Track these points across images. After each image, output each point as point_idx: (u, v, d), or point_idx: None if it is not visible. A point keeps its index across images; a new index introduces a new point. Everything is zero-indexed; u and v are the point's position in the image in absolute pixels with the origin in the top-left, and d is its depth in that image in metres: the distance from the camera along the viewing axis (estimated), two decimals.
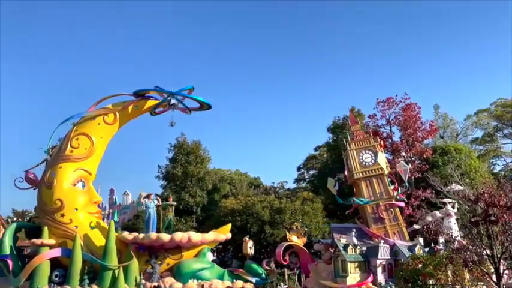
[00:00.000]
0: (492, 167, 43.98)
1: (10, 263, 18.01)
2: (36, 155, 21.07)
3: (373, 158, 22.58)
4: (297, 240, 21.45)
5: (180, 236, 18.45)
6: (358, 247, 19.14)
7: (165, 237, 18.31)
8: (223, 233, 20.63)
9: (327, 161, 38.49)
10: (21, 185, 20.31)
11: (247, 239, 22.46)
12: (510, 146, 44.51)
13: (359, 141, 23.49)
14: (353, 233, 20.16)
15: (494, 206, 10.89)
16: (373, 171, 22.29)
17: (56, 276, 17.84)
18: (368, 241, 20.58)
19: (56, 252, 17.99)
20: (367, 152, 22.91)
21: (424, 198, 26.23)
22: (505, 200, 11.00)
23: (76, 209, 18.77)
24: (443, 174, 26.90)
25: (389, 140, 29.85)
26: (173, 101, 20.78)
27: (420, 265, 15.58)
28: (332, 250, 20.13)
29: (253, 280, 19.52)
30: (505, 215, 10.79)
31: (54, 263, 18.02)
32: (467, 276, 13.79)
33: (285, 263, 21.47)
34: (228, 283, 18.73)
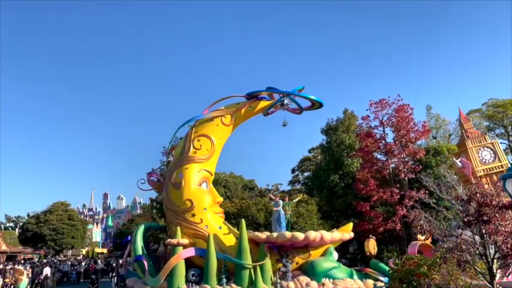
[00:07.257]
0: None
1: (145, 263, 17.94)
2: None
3: (493, 155, 23.71)
4: (423, 239, 21.68)
5: (313, 235, 18.10)
6: None
7: (299, 236, 17.94)
8: (347, 232, 20.38)
9: (321, 163, 38.61)
10: (144, 186, 20.75)
11: (371, 237, 22.49)
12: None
13: (475, 138, 24.49)
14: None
15: (487, 206, 10.92)
16: (494, 169, 23.32)
17: (193, 275, 17.64)
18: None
19: (191, 252, 17.82)
20: (485, 149, 23.96)
21: (417, 198, 26.30)
22: (497, 199, 11.04)
23: (205, 209, 18.77)
24: (437, 174, 27.03)
25: (383, 141, 29.98)
26: (286, 101, 20.67)
27: (414, 265, 15.62)
28: None
29: (385, 279, 18.85)
30: (497, 215, 10.83)
31: (185, 262, 17.89)
32: (462, 276, 13.86)
33: None
34: (359, 282, 18.24)
